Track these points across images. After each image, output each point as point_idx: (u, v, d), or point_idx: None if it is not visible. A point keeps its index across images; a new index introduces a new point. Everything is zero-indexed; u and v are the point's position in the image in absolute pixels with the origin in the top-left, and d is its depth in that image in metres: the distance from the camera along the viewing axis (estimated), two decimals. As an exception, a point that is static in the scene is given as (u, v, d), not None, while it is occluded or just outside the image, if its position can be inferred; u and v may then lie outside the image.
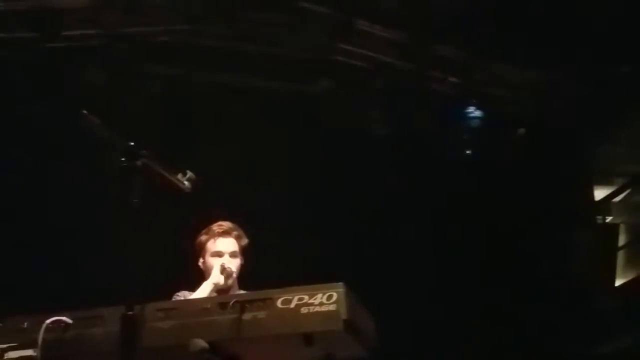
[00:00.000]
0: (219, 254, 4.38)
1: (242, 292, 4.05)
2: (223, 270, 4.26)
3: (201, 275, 4.45)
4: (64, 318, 2.62)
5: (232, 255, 4.43)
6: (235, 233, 4.49)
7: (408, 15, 7.43)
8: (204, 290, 4.20)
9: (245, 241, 4.53)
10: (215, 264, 4.38)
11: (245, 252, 4.49)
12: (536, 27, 7.36)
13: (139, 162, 2.88)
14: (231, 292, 4.10)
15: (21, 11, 6.84)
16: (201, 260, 4.49)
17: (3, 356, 2.56)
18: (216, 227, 4.51)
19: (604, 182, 9.99)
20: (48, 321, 2.60)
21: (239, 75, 7.70)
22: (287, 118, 7.81)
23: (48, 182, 6.95)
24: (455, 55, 8.05)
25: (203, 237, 4.52)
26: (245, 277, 4.44)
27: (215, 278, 4.28)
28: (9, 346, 2.59)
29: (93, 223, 6.61)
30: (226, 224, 4.52)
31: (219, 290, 4.18)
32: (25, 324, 2.64)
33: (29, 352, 2.58)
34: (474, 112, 8.30)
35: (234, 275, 4.38)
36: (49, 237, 6.80)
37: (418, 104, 8.25)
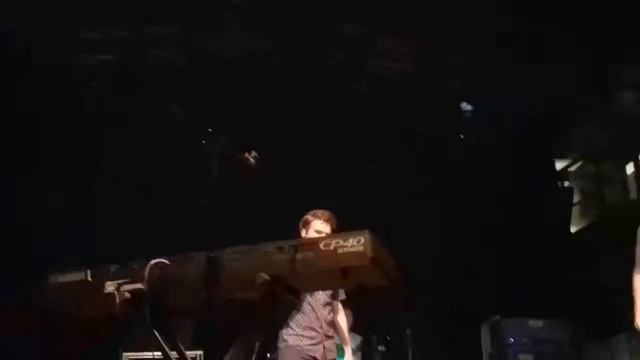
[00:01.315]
0: (319, 232, 4.33)
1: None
2: None
3: None
4: (163, 260, 2.60)
5: None
6: (332, 221, 4.44)
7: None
8: None
9: (335, 228, 4.42)
10: None
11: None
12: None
13: (215, 144, 2.87)
14: None
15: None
16: (304, 231, 4.45)
17: (120, 288, 2.59)
18: (321, 213, 4.46)
19: (562, 157, 9.97)
20: (152, 262, 2.58)
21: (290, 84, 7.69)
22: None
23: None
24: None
25: (309, 217, 4.48)
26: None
27: None
28: (124, 281, 2.61)
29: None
30: (328, 213, 4.47)
31: None
32: (135, 265, 2.62)
33: (139, 286, 2.56)
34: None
35: None
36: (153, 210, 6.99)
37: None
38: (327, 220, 4.44)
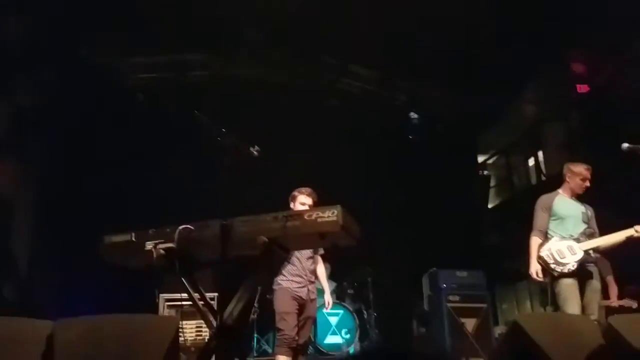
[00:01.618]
0: (303, 204, 4.27)
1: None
2: None
3: None
4: (189, 226, 2.58)
5: (309, 207, 4.24)
6: (313, 195, 4.34)
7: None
8: None
9: (316, 200, 4.34)
10: (299, 209, 4.23)
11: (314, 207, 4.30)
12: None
13: (228, 140, 2.85)
14: None
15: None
16: (292, 204, 4.33)
17: (156, 247, 2.57)
18: (304, 189, 4.35)
19: (482, 153, 10.02)
20: (180, 227, 2.56)
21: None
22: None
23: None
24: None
25: (296, 193, 4.36)
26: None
27: None
28: (160, 241, 2.58)
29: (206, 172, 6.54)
30: (310, 190, 4.37)
31: None
32: (168, 229, 2.59)
33: (170, 245, 2.54)
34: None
35: None
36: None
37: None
38: (309, 195, 4.35)
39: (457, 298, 6.18)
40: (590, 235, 4.24)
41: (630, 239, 4.08)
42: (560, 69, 7.51)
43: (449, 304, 6.11)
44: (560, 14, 6.29)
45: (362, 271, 7.13)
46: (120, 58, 7.06)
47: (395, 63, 7.35)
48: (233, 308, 2.53)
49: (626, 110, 6.08)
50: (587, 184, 4.38)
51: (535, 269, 4.23)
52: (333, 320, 6.62)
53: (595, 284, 4.17)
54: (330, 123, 7.69)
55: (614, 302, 5.24)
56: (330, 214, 2.32)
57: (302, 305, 4.24)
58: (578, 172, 4.39)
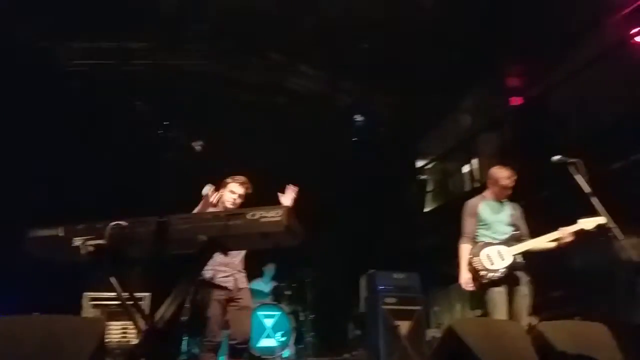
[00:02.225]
0: (233, 192, 4.14)
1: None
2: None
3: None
4: (120, 222, 2.43)
5: (240, 197, 4.17)
6: (247, 185, 4.19)
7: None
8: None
9: (249, 191, 4.20)
10: (227, 197, 4.14)
11: (247, 198, 4.20)
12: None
13: (170, 133, 2.75)
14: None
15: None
16: (221, 191, 4.14)
17: (85, 243, 2.41)
18: (238, 177, 4.20)
19: (421, 158, 10.29)
20: (112, 223, 2.41)
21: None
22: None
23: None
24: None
25: (229, 179, 4.20)
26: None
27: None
28: (89, 237, 2.43)
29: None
30: (244, 179, 4.20)
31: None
32: (99, 225, 2.43)
33: (101, 241, 2.39)
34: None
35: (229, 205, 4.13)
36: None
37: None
38: (242, 184, 4.20)
39: (393, 300, 6.28)
40: (518, 239, 4.32)
41: (560, 243, 4.13)
42: (496, 81, 7.83)
43: (385, 306, 6.20)
44: (498, 27, 6.55)
45: (301, 272, 7.12)
46: (57, 42, 6.60)
47: (340, 65, 7.39)
48: (165, 310, 2.42)
49: (557, 123, 6.42)
50: (509, 190, 4.46)
51: (465, 278, 4.32)
52: (269, 322, 6.55)
53: (523, 290, 4.24)
54: (275, 120, 7.62)
55: None
56: (275, 214, 2.27)
57: (230, 297, 4.07)
58: (499, 177, 4.48)
